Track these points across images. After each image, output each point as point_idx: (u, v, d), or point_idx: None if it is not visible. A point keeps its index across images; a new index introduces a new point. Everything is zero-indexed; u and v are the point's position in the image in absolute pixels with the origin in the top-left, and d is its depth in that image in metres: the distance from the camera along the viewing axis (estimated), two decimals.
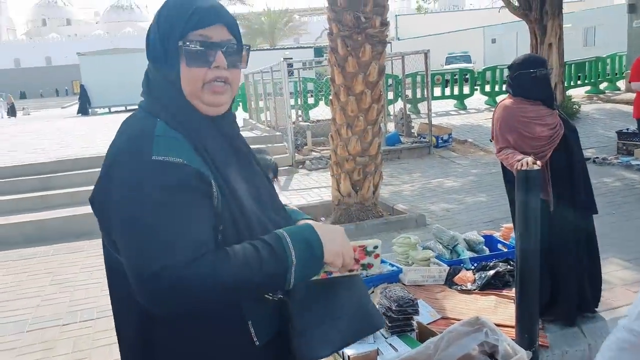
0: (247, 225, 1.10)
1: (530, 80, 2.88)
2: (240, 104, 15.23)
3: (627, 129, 8.16)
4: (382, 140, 5.91)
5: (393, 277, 3.40)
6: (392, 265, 3.54)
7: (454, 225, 5.16)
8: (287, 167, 8.40)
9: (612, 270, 3.76)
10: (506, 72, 12.89)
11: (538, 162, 2.65)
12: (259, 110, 12.85)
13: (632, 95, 8.73)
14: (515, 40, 25.78)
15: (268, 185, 1.27)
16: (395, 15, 55.67)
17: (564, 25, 10.11)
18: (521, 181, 2.39)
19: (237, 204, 1.10)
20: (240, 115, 13.95)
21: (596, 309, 3.06)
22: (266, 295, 1.12)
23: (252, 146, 1.32)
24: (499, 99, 13.43)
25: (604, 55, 14.97)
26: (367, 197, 5.40)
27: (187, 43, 1.09)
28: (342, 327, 1.21)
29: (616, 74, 15.02)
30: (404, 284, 3.32)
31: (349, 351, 2.40)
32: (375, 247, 1.21)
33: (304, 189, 7.37)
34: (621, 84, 14.61)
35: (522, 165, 2.64)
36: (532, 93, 2.91)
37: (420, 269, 3.48)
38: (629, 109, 9.12)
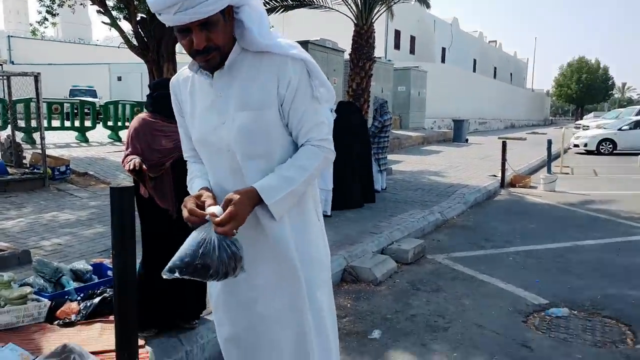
0: None
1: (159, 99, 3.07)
2: None
3: None
4: None
5: None
6: None
7: (65, 259, 4.76)
8: None
9: None
10: (129, 109, 13.11)
11: (144, 165, 2.83)
12: None
13: None
14: (140, 80, 26.54)
15: None
16: (8, 36, 49.31)
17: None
18: (115, 197, 2.39)
19: None
20: None
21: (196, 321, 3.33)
22: None
23: None
24: (121, 133, 13.42)
25: None
26: None
27: None
28: None
29: None
30: None
31: None
32: None
33: None
34: None
35: (131, 165, 2.79)
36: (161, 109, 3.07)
37: (15, 309, 3.07)
38: None
